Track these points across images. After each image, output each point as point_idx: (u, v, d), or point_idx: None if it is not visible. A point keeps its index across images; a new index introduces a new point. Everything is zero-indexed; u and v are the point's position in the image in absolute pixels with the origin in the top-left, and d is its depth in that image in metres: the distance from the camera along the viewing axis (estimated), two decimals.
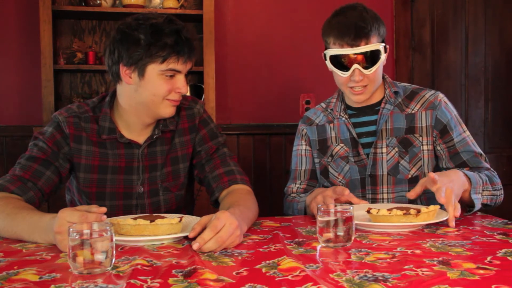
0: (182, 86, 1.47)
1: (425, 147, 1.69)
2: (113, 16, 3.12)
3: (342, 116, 1.76)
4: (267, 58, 3.42)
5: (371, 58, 1.60)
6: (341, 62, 1.63)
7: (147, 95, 1.46)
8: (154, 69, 1.43)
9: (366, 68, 1.61)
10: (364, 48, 1.59)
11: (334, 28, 1.63)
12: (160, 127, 1.56)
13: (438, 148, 1.70)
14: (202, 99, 3.12)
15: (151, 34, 1.41)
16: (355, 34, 1.58)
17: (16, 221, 1.25)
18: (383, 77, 1.75)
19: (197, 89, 3.25)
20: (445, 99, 1.74)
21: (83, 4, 3.06)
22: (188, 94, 3.21)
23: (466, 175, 1.50)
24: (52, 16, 2.89)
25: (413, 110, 1.72)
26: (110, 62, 1.48)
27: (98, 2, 3.01)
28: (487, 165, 1.66)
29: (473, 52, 3.65)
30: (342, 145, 1.75)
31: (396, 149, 1.69)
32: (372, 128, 1.73)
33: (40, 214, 1.25)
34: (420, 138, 1.69)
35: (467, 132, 1.70)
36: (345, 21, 1.61)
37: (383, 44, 1.63)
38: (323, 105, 1.86)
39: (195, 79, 3.35)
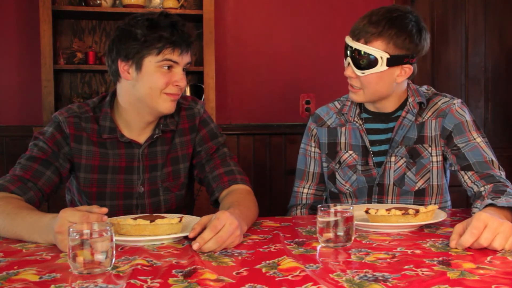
0: (179, 79, 1.47)
1: (434, 159, 1.62)
2: (113, 16, 3.12)
3: (356, 122, 1.68)
4: (267, 58, 3.42)
5: (365, 61, 1.52)
6: (345, 51, 1.59)
7: (145, 88, 1.46)
8: (150, 62, 1.44)
9: (357, 67, 1.54)
10: (359, 46, 1.52)
11: (362, 15, 1.57)
12: (160, 127, 1.56)
13: (447, 156, 1.61)
14: (202, 99, 3.12)
15: (147, 28, 1.43)
16: (360, 28, 1.52)
17: (16, 221, 1.25)
18: (407, 85, 1.65)
19: (197, 89, 3.25)
20: (458, 105, 1.62)
21: (83, 4, 3.06)
22: (188, 94, 3.21)
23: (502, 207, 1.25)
24: (52, 16, 2.89)
25: (424, 118, 1.63)
26: (109, 61, 1.49)
27: (98, 2, 3.01)
28: (499, 173, 1.50)
29: (473, 52, 3.65)
30: (351, 152, 1.69)
31: (404, 159, 1.62)
32: (386, 136, 1.66)
33: (41, 214, 1.25)
34: (430, 148, 1.61)
35: (480, 139, 1.56)
36: (369, 13, 1.54)
37: (387, 56, 1.50)
38: (337, 105, 1.77)
39: (195, 79, 3.35)
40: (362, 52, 1.52)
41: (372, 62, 1.52)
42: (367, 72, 1.53)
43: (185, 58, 1.48)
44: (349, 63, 1.56)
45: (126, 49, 1.44)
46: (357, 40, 1.53)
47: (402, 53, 1.53)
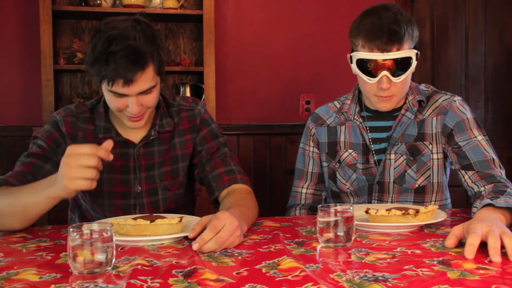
0: (131, 108, 1.39)
1: (435, 156, 1.62)
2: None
3: (357, 120, 1.68)
4: (267, 58, 3.42)
5: (401, 66, 1.51)
6: (368, 68, 1.52)
7: (107, 102, 1.46)
8: (102, 85, 1.39)
9: (395, 75, 1.51)
10: (395, 54, 1.49)
11: (365, 29, 1.51)
12: (156, 128, 1.56)
13: (448, 154, 1.61)
14: (202, 99, 3.12)
15: (100, 50, 1.33)
16: (387, 38, 1.47)
17: (21, 193, 1.29)
18: None
19: (197, 89, 3.26)
20: (459, 103, 1.63)
21: (83, 4, 3.06)
22: (188, 94, 3.22)
23: (500, 207, 1.24)
24: (52, 16, 2.90)
25: (424, 115, 1.64)
26: None
27: (98, 2, 3.02)
28: (500, 173, 1.49)
29: (473, 52, 3.65)
30: (350, 151, 1.68)
31: (404, 156, 1.62)
32: (386, 134, 1.66)
33: (46, 178, 1.30)
34: (430, 146, 1.61)
35: (481, 137, 1.56)
36: (378, 22, 1.49)
37: (415, 51, 1.53)
38: (336, 104, 1.77)
39: (195, 79, 3.35)
40: (399, 59, 1.50)
41: (408, 64, 1.52)
42: (404, 75, 1.52)
43: (134, 88, 1.36)
44: (382, 77, 1.51)
45: (86, 60, 1.39)
46: (389, 50, 1.49)
47: (416, 42, 1.57)
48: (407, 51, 1.51)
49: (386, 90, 1.53)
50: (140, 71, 1.34)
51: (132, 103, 1.39)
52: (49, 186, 1.24)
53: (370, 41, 1.50)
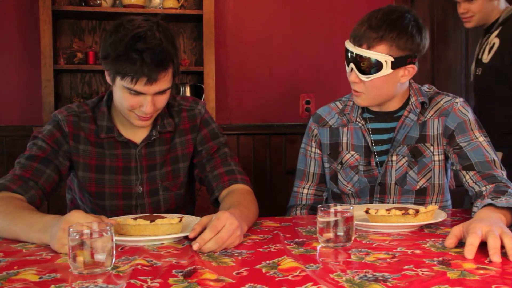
0: (146, 107, 1.40)
1: (436, 158, 1.62)
2: (113, 16, 3.12)
3: (359, 122, 1.68)
4: (267, 58, 3.42)
5: (370, 66, 1.51)
6: (346, 56, 1.57)
7: (116, 100, 1.46)
8: (119, 81, 1.39)
9: (361, 72, 1.52)
10: (362, 52, 1.50)
11: (359, 21, 1.54)
12: (157, 128, 1.56)
13: (449, 155, 1.61)
14: (202, 99, 3.12)
15: (125, 46, 1.34)
16: (362, 33, 1.50)
17: (15, 220, 1.25)
18: (409, 84, 1.65)
19: (197, 89, 3.26)
20: (461, 104, 1.62)
21: (83, 4, 3.06)
22: (188, 94, 3.22)
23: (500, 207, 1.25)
24: (52, 16, 2.90)
25: (426, 117, 1.63)
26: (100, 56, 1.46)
27: (98, 2, 3.02)
28: (501, 174, 1.50)
29: (473, 52, 3.64)
30: (353, 152, 1.68)
31: (406, 158, 1.62)
32: (388, 135, 1.65)
33: (42, 214, 1.25)
34: (432, 147, 1.61)
35: (482, 138, 1.56)
36: (368, 17, 1.52)
37: (391, 59, 1.50)
38: (338, 105, 1.77)
39: (195, 79, 3.35)
40: (366, 57, 1.51)
41: (377, 67, 1.51)
42: (372, 76, 1.52)
43: (154, 88, 1.38)
44: (352, 69, 1.55)
45: (105, 57, 1.39)
46: (359, 45, 1.51)
47: (405, 54, 1.53)
48: (378, 54, 1.50)
49: (355, 84, 1.57)
50: (163, 71, 1.37)
51: (148, 102, 1.40)
52: (42, 231, 1.17)
53: (352, 31, 1.55)
